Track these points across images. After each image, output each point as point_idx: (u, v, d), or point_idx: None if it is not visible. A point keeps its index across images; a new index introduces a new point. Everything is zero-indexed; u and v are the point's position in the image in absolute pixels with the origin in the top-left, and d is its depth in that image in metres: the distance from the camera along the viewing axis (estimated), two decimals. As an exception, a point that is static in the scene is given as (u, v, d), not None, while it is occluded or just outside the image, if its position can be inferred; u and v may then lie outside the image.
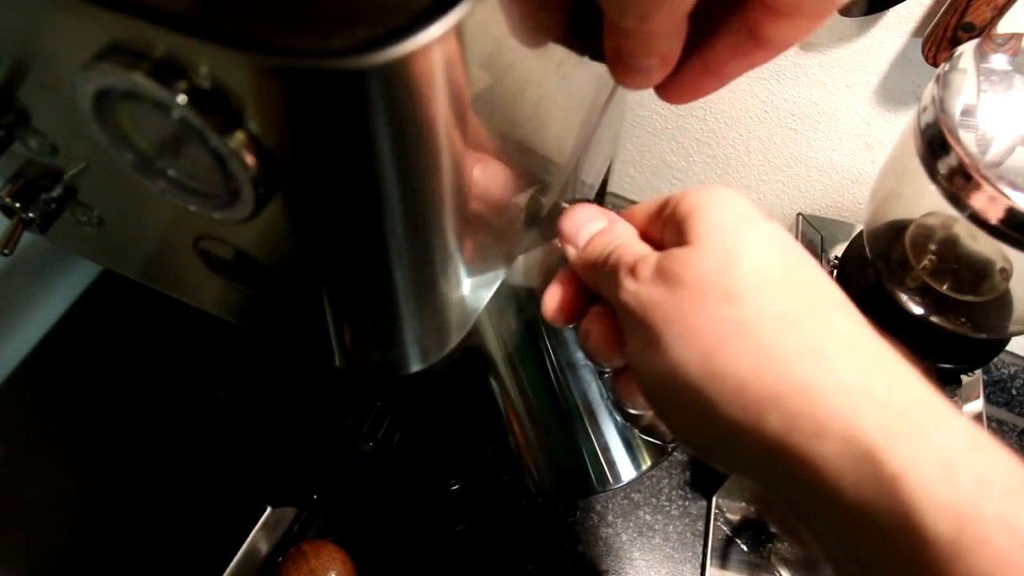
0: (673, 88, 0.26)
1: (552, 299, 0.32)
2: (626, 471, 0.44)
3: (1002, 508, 0.19)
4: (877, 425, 0.21)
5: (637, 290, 0.26)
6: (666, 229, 0.28)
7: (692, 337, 0.24)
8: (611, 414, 0.44)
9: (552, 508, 0.64)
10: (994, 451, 0.21)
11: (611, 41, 0.24)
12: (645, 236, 0.30)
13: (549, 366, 0.45)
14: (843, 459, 0.21)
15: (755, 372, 0.23)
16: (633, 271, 0.27)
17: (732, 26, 0.24)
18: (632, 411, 0.38)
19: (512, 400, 0.48)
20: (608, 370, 0.32)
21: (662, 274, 0.26)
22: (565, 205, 0.37)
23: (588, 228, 0.31)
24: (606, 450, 0.44)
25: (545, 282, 0.38)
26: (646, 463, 0.44)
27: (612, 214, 0.32)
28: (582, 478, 0.45)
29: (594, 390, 0.44)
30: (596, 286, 0.30)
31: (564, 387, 0.44)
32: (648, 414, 0.40)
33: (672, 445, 0.45)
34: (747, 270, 0.25)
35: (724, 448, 0.25)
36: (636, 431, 0.44)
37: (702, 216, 0.26)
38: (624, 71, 0.25)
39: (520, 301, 0.44)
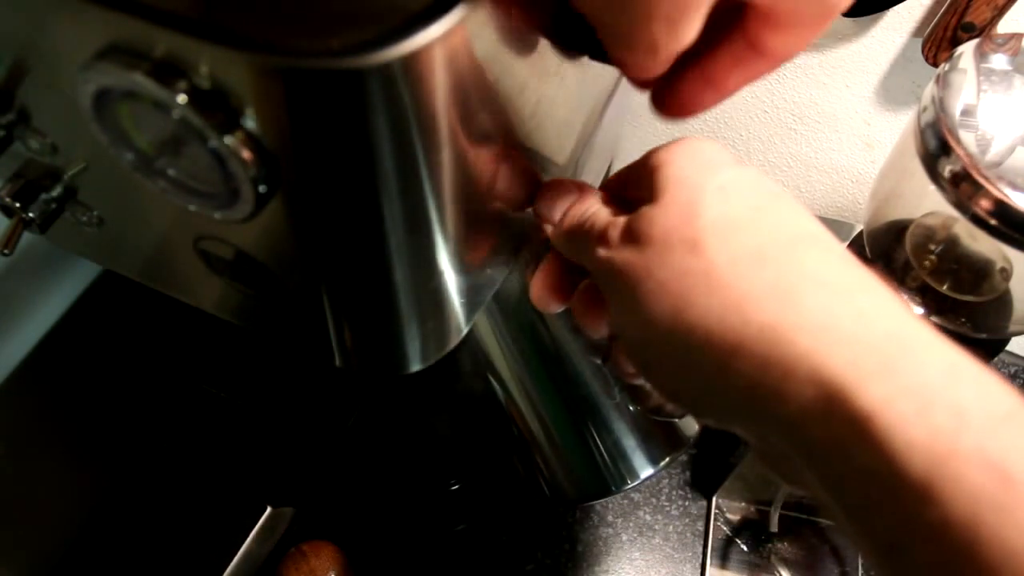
0: (672, 102, 0.26)
1: (538, 282, 0.32)
2: (642, 468, 0.44)
3: (980, 441, 0.19)
4: (847, 363, 0.20)
5: (609, 255, 0.26)
6: (640, 186, 0.28)
7: (662, 292, 0.24)
8: (622, 411, 0.44)
9: (552, 508, 0.64)
10: (973, 377, 0.20)
11: (615, 57, 0.24)
12: (623, 197, 0.30)
13: (556, 371, 0.45)
14: (814, 401, 0.20)
15: (722, 320, 0.22)
16: (604, 237, 0.26)
17: (732, 38, 0.24)
18: (634, 384, 0.37)
19: (520, 409, 0.48)
20: (606, 354, 0.32)
21: (631, 235, 0.25)
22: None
23: (561, 202, 0.31)
24: (620, 448, 0.44)
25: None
26: (663, 459, 0.44)
27: (585, 184, 0.31)
28: (598, 479, 0.45)
29: (602, 390, 0.44)
30: (577, 259, 0.29)
31: (572, 391, 0.44)
32: (651, 391, 0.39)
33: (683, 425, 0.44)
34: (711, 217, 0.24)
35: (705, 399, 0.24)
36: (649, 421, 0.43)
37: (668, 169, 0.26)
38: (634, 76, 0.25)
39: (524, 309, 0.44)
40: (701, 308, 0.23)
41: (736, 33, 0.24)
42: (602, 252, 0.26)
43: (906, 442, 0.19)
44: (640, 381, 0.29)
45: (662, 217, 0.25)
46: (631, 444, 0.44)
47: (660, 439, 0.44)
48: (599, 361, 0.44)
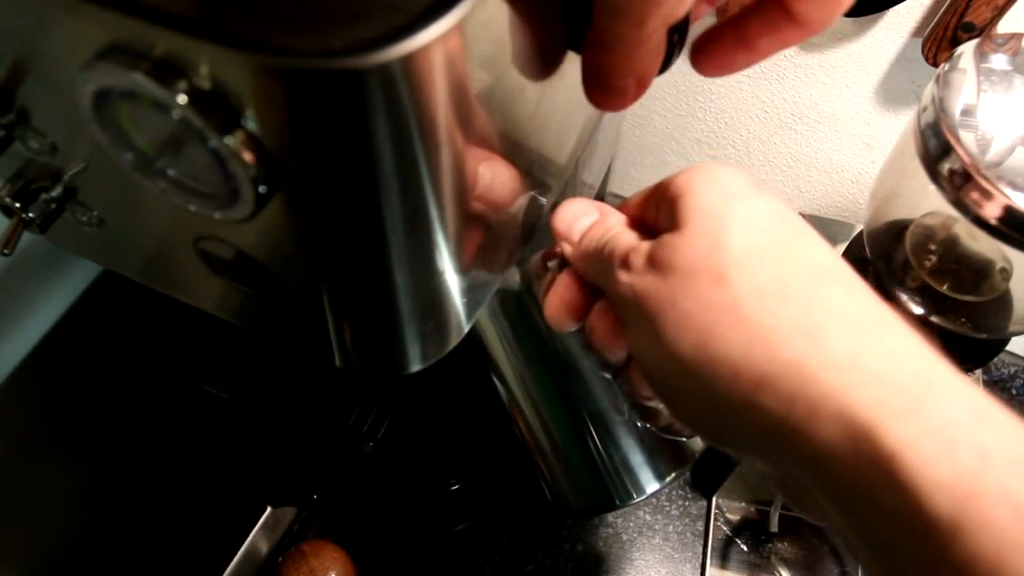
0: (706, 58, 0.26)
1: (553, 301, 0.32)
2: (648, 483, 0.44)
3: (1004, 482, 0.19)
4: (873, 402, 0.20)
5: (631, 281, 0.26)
6: (660, 213, 0.28)
7: (686, 323, 0.24)
8: (629, 427, 0.44)
9: (554, 517, 0.64)
10: (997, 419, 0.20)
11: (592, 58, 0.24)
12: (642, 222, 0.30)
13: (565, 383, 0.44)
14: (840, 440, 0.21)
15: (747, 354, 0.22)
16: (626, 262, 0.26)
17: (767, 2, 0.24)
18: (646, 405, 0.37)
19: (527, 420, 0.48)
20: (617, 370, 0.32)
21: (654, 263, 0.25)
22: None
23: (581, 222, 0.31)
24: (626, 463, 0.44)
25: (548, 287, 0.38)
26: (669, 474, 0.44)
27: (604, 205, 0.31)
28: (604, 493, 0.45)
29: (610, 404, 0.44)
30: (595, 280, 0.30)
31: (583, 401, 0.44)
32: (662, 410, 0.39)
33: (690, 442, 0.44)
34: (736, 250, 0.24)
35: (728, 432, 0.24)
36: (656, 436, 0.43)
37: (691, 198, 0.26)
38: (600, 91, 0.25)
39: (528, 308, 0.44)
40: (727, 341, 0.23)
41: None
42: (624, 277, 0.26)
43: (932, 482, 0.19)
44: (654, 403, 0.28)
45: (686, 246, 0.25)
46: (638, 459, 0.44)
47: (667, 454, 0.44)
48: (609, 377, 0.44)
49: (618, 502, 0.45)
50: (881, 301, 0.24)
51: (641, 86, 0.25)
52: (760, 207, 0.25)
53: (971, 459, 0.19)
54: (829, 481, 0.21)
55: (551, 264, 0.38)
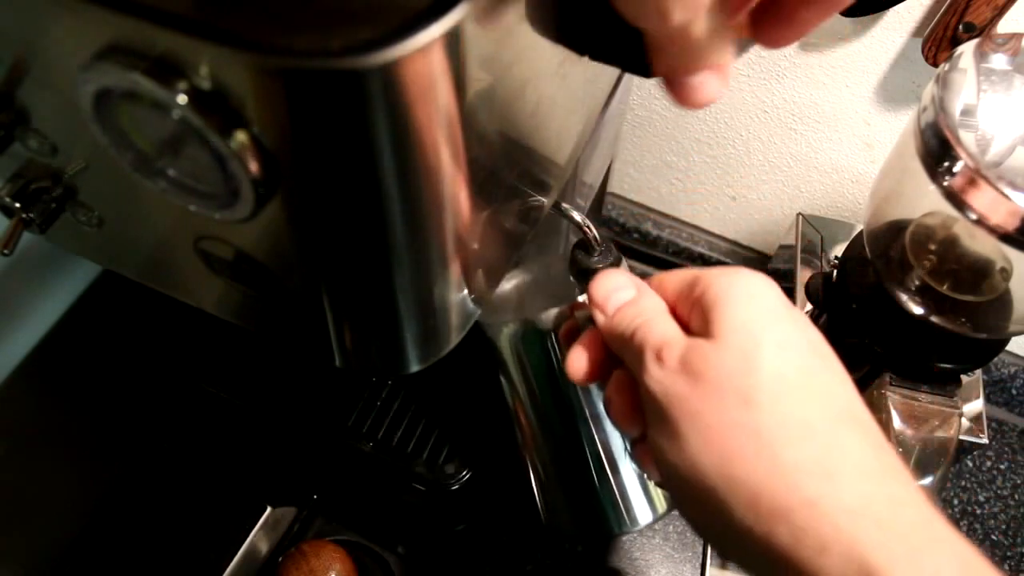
0: (763, 34, 0.25)
1: (577, 359, 0.33)
2: (643, 515, 0.45)
3: None
4: (878, 546, 0.23)
5: (662, 378, 0.27)
6: (693, 312, 0.29)
7: (710, 437, 0.25)
8: (629, 461, 0.45)
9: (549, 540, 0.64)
10: (981, 573, 0.23)
11: (657, 62, 0.24)
12: (672, 311, 0.31)
13: (575, 414, 0.45)
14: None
15: (769, 483, 0.24)
16: (659, 356, 0.27)
17: None
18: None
19: (535, 443, 0.49)
20: (629, 441, 0.33)
21: (686, 366, 0.26)
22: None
23: (616, 297, 0.32)
24: (624, 495, 0.45)
25: (571, 336, 0.39)
26: (663, 507, 0.45)
27: (641, 283, 0.32)
28: (601, 521, 0.46)
29: (616, 440, 0.45)
30: (621, 355, 0.31)
31: (588, 436, 0.45)
32: None
33: None
34: (766, 375, 0.25)
35: (736, 547, 0.26)
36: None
37: (727, 309, 0.27)
38: (681, 92, 0.24)
39: (549, 347, 0.44)
40: (749, 466, 0.24)
41: None
42: (655, 372, 0.27)
43: None
44: (659, 477, 0.30)
45: (719, 360, 0.26)
46: (635, 492, 0.45)
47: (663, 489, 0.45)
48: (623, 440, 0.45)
49: (612, 531, 0.46)
50: (887, 442, 0.26)
51: (721, 75, 0.24)
52: (792, 332, 0.27)
53: None
54: None
55: (579, 315, 0.40)
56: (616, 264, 0.47)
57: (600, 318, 0.32)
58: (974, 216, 0.38)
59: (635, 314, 0.30)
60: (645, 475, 0.36)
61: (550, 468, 0.48)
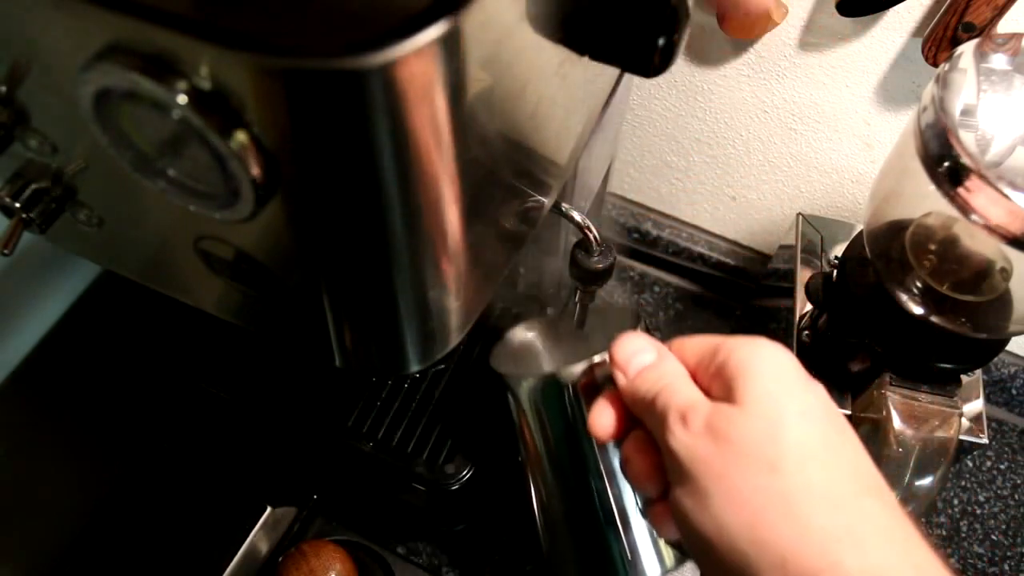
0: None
1: (599, 416, 0.33)
2: (652, 570, 0.46)
3: None
4: None
5: (687, 441, 0.28)
6: (715, 378, 0.30)
7: (738, 500, 0.26)
8: (640, 517, 0.45)
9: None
10: None
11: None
12: (692, 376, 0.31)
13: (589, 469, 0.46)
14: None
15: (797, 547, 0.25)
16: (684, 419, 0.28)
17: None
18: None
19: (548, 493, 0.49)
20: (645, 501, 0.33)
21: (712, 430, 0.27)
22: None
23: (638, 360, 0.32)
24: (634, 550, 0.46)
25: (589, 392, 0.40)
26: (671, 562, 0.46)
27: (662, 347, 0.33)
28: (605, 572, 0.46)
29: (628, 495, 0.45)
30: (641, 417, 0.32)
31: (601, 490, 0.45)
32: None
33: None
34: (791, 443, 0.27)
35: None
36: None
37: (751, 378, 0.28)
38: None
39: (568, 402, 0.45)
40: (777, 529, 0.25)
41: None
42: (681, 434, 0.28)
43: None
44: (675, 536, 0.30)
45: (746, 426, 0.27)
46: (645, 545, 0.45)
47: (672, 543, 0.45)
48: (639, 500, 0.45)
49: None
50: (906, 516, 0.27)
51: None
52: (812, 403, 0.28)
53: None
54: None
55: (598, 373, 0.41)
56: (613, 262, 0.47)
57: (621, 379, 0.33)
58: (974, 216, 0.38)
59: (657, 377, 0.31)
60: (658, 533, 0.36)
61: (561, 519, 0.49)
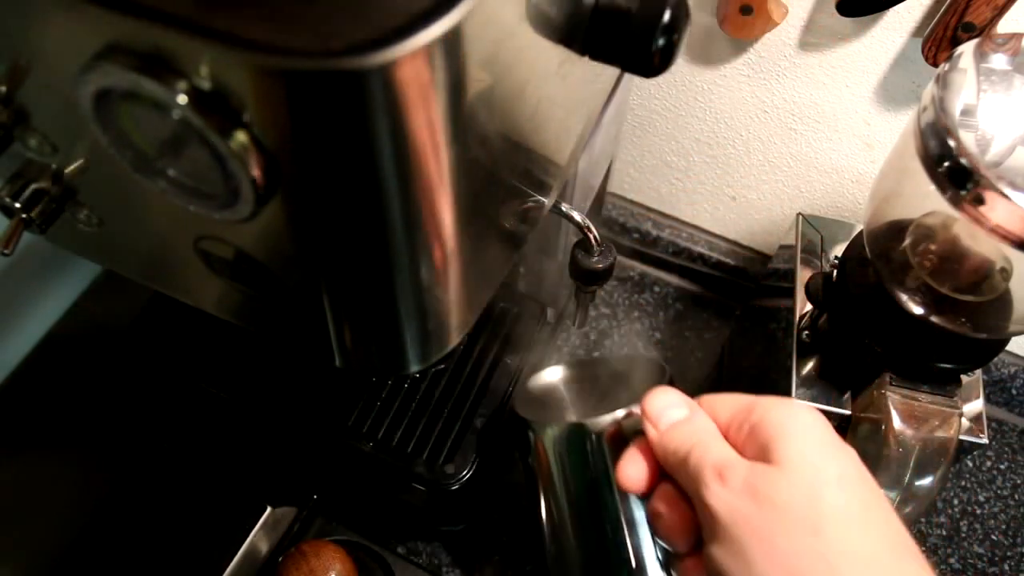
0: None
1: (627, 467, 0.34)
2: None
3: None
4: None
5: (726, 498, 0.28)
6: (749, 439, 0.30)
7: (780, 561, 0.27)
8: (659, 569, 0.45)
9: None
10: None
11: None
12: (723, 433, 0.32)
13: (610, 518, 0.46)
14: None
15: None
16: (721, 476, 0.29)
17: None
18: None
19: (566, 540, 0.49)
20: (671, 556, 0.33)
21: (751, 490, 0.28)
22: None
23: (669, 414, 0.33)
24: None
25: (615, 443, 0.40)
26: None
27: (693, 403, 0.33)
28: None
29: (648, 545, 0.45)
30: (672, 471, 0.32)
31: (620, 540, 0.45)
32: None
33: None
34: (831, 506, 0.27)
35: None
36: None
37: (789, 440, 0.29)
38: None
39: (590, 451, 0.45)
40: None
41: None
42: (720, 492, 0.29)
43: None
44: None
45: (786, 488, 0.28)
46: None
47: None
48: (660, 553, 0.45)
49: None
50: (933, 572, 0.28)
51: None
52: (848, 467, 0.29)
53: None
54: None
55: (626, 424, 0.41)
56: (613, 262, 0.47)
57: (652, 432, 0.33)
58: (974, 216, 0.38)
59: (689, 433, 0.31)
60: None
61: (577, 567, 0.49)
